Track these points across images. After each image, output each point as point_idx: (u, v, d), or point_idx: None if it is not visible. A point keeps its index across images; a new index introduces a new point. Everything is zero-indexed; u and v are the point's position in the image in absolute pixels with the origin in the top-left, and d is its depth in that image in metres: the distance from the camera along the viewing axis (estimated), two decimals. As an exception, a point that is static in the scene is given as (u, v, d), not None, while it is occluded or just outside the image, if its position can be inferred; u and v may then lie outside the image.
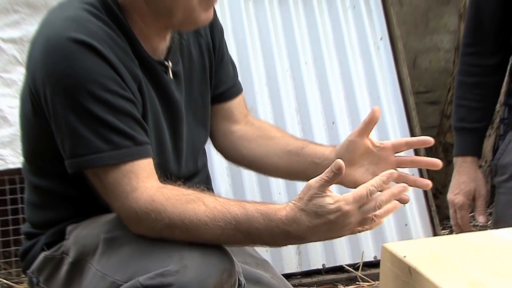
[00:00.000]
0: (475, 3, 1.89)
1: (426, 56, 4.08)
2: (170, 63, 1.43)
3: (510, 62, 1.89)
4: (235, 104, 1.63)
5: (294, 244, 1.30)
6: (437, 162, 1.47)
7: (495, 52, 1.88)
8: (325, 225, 1.20)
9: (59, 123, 1.27)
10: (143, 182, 1.27)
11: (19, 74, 2.49)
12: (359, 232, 1.25)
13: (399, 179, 1.43)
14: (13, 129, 2.48)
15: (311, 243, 2.75)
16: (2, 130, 2.52)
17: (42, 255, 1.43)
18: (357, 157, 1.48)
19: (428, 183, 1.46)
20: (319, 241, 1.30)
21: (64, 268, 1.39)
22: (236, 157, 1.64)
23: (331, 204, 1.19)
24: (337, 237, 1.26)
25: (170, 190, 1.28)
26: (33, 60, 1.31)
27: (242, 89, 1.67)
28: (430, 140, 1.47)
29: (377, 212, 1.22)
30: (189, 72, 1.49)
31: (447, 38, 4.06)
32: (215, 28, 1.56)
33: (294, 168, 1.53)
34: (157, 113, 1.40)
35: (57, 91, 1.25)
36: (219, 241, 1.27)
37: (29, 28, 2.47)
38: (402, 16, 3.83)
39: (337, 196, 1.20)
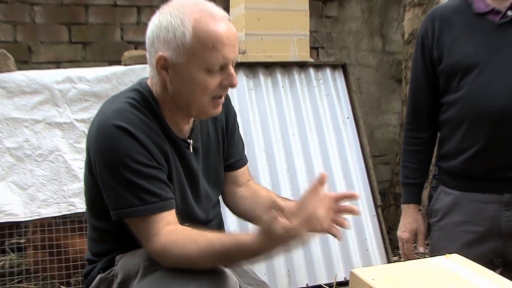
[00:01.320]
0: (413, 94, 1.90)
1: (379, 130, 4.09)
2: (191, 141, 1.43)
3: (438, 136, 1.89)
4: (240, 173, 1.62)
5: (265, 257, 1.22)
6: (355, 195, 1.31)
7: (428, 128, 1.88)
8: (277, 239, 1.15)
9: (104, 184, 1.29)
10: (163, 228, 1.27)
11: (87, 144, 2.51)
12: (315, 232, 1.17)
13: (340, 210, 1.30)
14: (81, 184, 2.46)
15: (298, 267, 2.73)
16: (74, 184, 2.53)
17: (98, 277, 1.41)
18: None
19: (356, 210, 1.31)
20: (284, 249, 1.19)
21: (114, 287, 1.36)
22: (237, 212, 1.63)
23: (278, 226, 1.14)
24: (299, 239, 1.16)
25: (177, 235, 1.25)
26: (90, 137, 1.34)
27: (247, 161, 1.65)
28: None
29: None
30: (207, 147, 1.49)
31: (394, 117, 4.09)
32: (229, 114, 1.56)
33: None
34: (181, 177, 1.39)
35: (103, 162, 1.27)
36: (209, 267, 1.25)
37: (95, 111, 2.48)
38: (362, 101, 3.87)
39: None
